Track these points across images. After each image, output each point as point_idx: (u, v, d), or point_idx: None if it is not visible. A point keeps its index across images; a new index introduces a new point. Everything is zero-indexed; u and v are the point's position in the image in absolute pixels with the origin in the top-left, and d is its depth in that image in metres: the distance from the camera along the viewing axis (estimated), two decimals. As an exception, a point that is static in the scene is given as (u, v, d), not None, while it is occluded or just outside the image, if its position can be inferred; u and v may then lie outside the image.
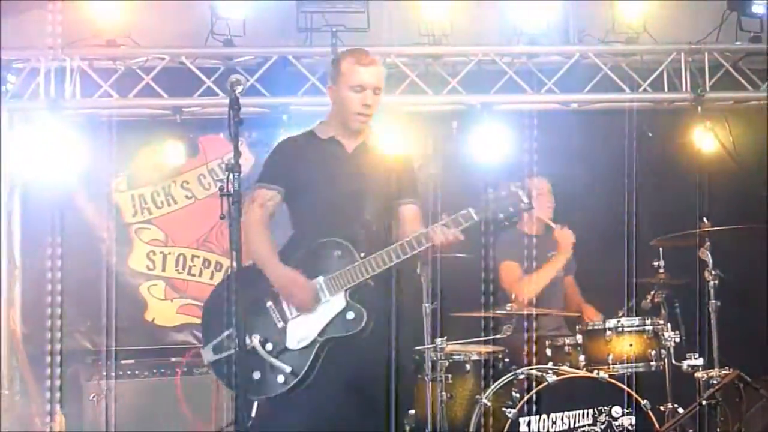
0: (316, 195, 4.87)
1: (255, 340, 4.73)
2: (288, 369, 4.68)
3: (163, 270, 7.92)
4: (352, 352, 4.69)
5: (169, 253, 7.94)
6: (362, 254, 4.73)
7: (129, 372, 7.11)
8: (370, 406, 4.66)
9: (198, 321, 7.79)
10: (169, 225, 7.94)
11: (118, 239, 7.72)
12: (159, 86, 7.31)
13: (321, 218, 4.86)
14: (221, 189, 3.93)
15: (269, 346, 4.75)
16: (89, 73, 7.28)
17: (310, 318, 4.74)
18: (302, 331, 4.74)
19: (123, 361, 7.17)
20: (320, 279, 4.76)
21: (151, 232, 7.93)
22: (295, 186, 4.92)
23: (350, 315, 4.70)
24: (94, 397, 6.84)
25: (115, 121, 7.38)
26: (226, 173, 3.91)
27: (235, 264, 4.01)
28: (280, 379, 4.70)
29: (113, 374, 6.93)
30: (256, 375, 4.72)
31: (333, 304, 4.74)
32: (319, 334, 4.72)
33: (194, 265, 7.93)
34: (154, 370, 7.08)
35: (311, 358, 4.70)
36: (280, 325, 4.78)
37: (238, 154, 3.91)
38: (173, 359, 7.27)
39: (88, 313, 7.45)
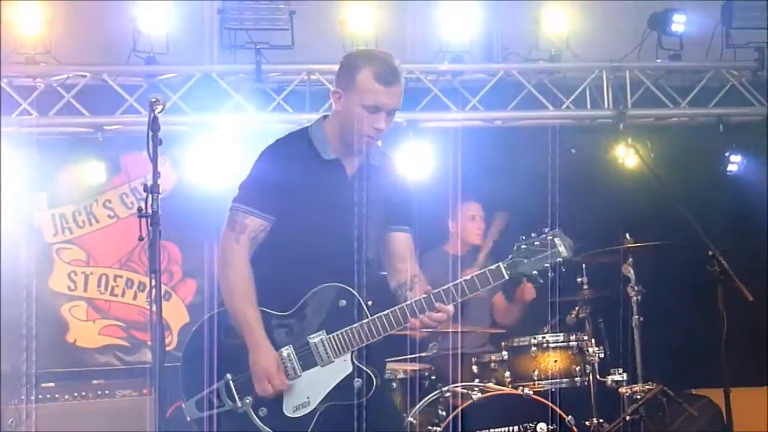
0: (312, 227, 4.12)
1: (247, 404, 4.07)
2: None
3: (85, 290, 7.78)
4: (357, 417, 4.05)
5: (91, 273, 7.81)
6: (370, 303, 4.07)
7: (49, 395, 6.93)
8: None
9: (121, 341, 7.79)
10: (90, 244, 7.82)
11: (38, 259, 7.57)
12: (80, 103, 7.21)
13: (316, 254, 4.11)
14: (139, 210, 3.86)
15: (263, 411, 4.06)
16: (8, 91, 7.14)
17: (311, 381, 4.06)
18: (301, 396, 4.07)
19: (43, 385, 7.00)
20: (322, 335, 4.07)
21: (73, 252, 7.80)
22: (287, 213, 4.12)
23: (358, 382, 4.04)
24: (12, 422, 6.67)
25: (35, 139, 7.24)
26: (145, 194, 3.84)
27: (155, 285, 3.91)
28: None
29: (33, 398, 6.76)
30: None
31: (337, 367, 4.06)
32: (321, 402, 4.06)
33: (117, 286, 7.81)
34: (75, 393, 6.92)
35: (309, 430, 4.03)
36: None
37: (157, 174, 3.83)
38: (95, 382, 7.13)
39: (7, 336, 7.27)
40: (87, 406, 6.91)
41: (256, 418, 4.06)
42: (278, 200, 4.11)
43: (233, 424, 4.09)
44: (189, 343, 4.23)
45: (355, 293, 4.08)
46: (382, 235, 4.27)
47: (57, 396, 6.94)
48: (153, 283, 3.85)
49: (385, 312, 4.04)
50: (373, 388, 4.05)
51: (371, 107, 4.04)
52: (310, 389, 4.07)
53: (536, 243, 4.02)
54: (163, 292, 3.83)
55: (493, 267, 4.02)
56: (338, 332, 4.06)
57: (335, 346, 4.06)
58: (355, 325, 4.04)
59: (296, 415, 4.06)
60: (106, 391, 7.00)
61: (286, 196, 4.11)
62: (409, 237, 4.34)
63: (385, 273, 4.32)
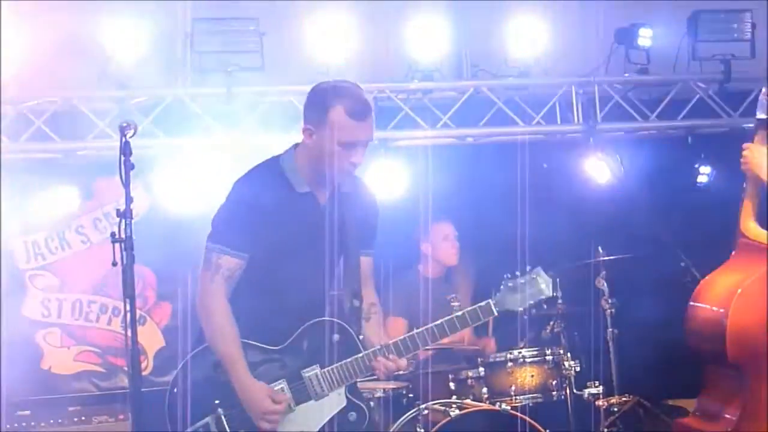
0: (290, 260, 4.12)
1: None
2: None
3: (59, 317, 7.71)
4: None
5: (65, 299, 7.75)
6: (361, 337, 4.14)
7: (25, 423, 6.88)
8: None
9: (96, 367, 7.74)
10: (64, 270, 7.75)
11: (10, 287, 7.50)
12: (51, 129, 7.17)
13: (296, 288, 4.13)
14: (113, 235, 3.86)
15: None
16: (-23, 118, 7.10)
17: (305, 415, 4.09)
18: (295, 431, 4.11)
19: (19, 413, 6.94)
20: (316, 370, 4.12)
21: (46, 279, 7.74)
22: (263, 248, 4.10)
23: (352, 416, 4.13)
24: (-12, 450, 6.62)
25: (6, 164, 7.20)
26: (118, 219, 3.85)
27: (129, 310, 3.90)
28: None
29: (8, 426, 6.70)
30: None
31: (331, 401, 4.12)
32: None
33: (91, 311, 7.75)
34: (51, 420, 6.86)
35: None
36: None
37: (130, 199, 3.84)
38: (71, 408, 7.07)
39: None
40: (63, 434, 6.87)
41: None
42: (253, 236, 4.07)
43: None
44: (177, 377, 4.18)
45: (348, 327, 4.14)
46: (355, 259, 4.26)
47: (33, 423, 6.87)
48: (128, 307, 3.85)
49: (378, 347, 4.10)
50: (366, 421, 4.10)
51: (347, 144, 4.01)
52: (304, 423, 4.10)
53: (521, 281, 4.17)
54: (138, 316, 3.84)
55: (482, 304, 4.18)
56: (332, 366, 4.11)
57: (329, 380, 4.10)
58: (349, 359, 4.09)
59: None
60: (83, 418, 6.94)
61: (261, 232, 4.07)
62: (371, 261, 4.40)
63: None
